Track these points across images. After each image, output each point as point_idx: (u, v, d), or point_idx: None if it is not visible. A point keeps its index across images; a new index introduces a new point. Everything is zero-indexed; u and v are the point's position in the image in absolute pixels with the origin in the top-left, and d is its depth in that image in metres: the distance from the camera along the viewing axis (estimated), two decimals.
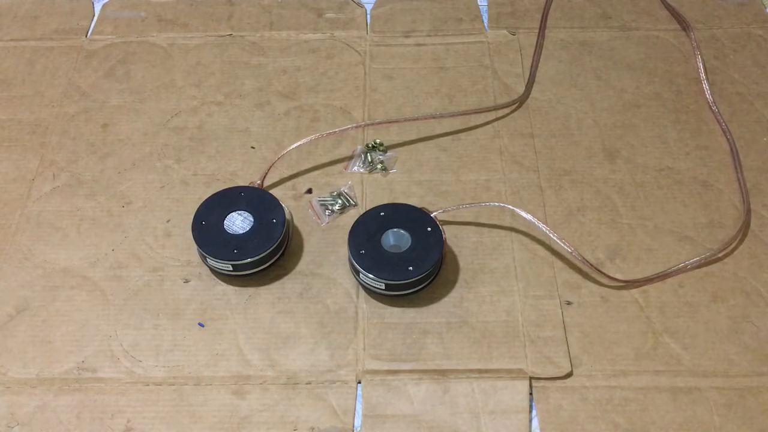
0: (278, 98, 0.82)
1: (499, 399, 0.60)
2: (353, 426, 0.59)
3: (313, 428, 0.59)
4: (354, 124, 0.78)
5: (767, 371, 0.62)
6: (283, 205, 0.67)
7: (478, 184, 0.74)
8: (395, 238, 0.65)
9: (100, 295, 0.66)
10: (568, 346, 0.63)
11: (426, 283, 0.65)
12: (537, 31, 0.88)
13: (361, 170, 0.75)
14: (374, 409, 0.60)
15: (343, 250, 0.69)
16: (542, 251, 0.69)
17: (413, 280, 0.63)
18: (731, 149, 0.76)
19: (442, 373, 0.62)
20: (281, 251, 0.68)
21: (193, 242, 0.65)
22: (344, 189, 0.73)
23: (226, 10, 0.91)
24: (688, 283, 0.67)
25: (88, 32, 0.89)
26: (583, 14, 0.90)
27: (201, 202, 0.68)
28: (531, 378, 0.61)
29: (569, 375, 0.62)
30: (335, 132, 0.75)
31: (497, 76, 0.83)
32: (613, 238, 0.70)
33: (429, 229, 0.65)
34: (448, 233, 0.69)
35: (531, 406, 0.60)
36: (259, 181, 0.71)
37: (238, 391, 0.61)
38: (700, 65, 0.83)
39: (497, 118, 0.79)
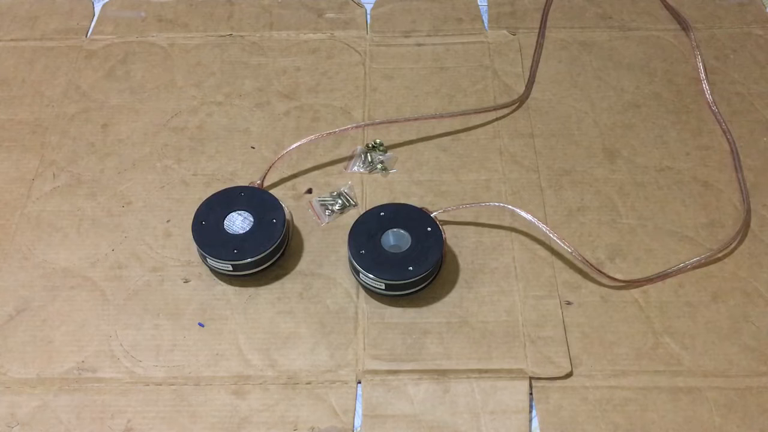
0: (278, 98, 0.82)
1: (499, 399, 0.60)
2: (353, 426, 0.59)
3: (313, 428, 0.59)
4: (354, 124, 0.78)
5: (767, 371, 0.62)
6: (283, 205, 0.67)
7: (478, 184, 0.74)
8: (395, 238, 0.65)
9: (100, 295, 0.66)
10: (568, 346, 0.63)
11: (426, 283, 0.65)
12: (537, 31, 0.88)
13: (361, 170, 0.75)
14: (374, 409, 0.60)
15: (343, 250, 0.69)
16: (542, 251, 0.69)
17: (413, 280, 0.63)
18: (731, 149, 0.76)
19: (442, 373, 0.62)
20: (281, 251, 0.68)
21: (193, 242, 0.65)
22: (344, 189, 0.73)
23: (226, 10, 0.91)
24: (688, 283, 0.67)
25: (88, 32, 0.89)
26: (583, 14, 0.90)
27: (201, 202, 0.68)
28: (531, 378, 0.61)
29: (569, 375, 0.62)
30: (335, 132, 0.75)
31: (497, 76, 0.83)
32: (613, 238, 0.70)
33: (429, 229, 0.65)
34: (448, 233, 0.69)
35: (531, 406, 0.60)
36: (259, 181, 0.71)
37: (238, 391, 0.61)
38: (700, 65, 0.83)
39: (497, 118, 0.79)
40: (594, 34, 0.88)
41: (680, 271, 0.67)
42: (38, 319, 0.65)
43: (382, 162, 0.75)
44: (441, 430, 0.59)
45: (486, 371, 0.62)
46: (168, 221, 0.71)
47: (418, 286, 0.65)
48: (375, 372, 0.62)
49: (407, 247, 0.64)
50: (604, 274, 0.66)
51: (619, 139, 0.77)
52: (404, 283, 0.63)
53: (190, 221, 0.66)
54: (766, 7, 0.90)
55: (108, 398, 0.61)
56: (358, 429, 0.59)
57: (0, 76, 0.84)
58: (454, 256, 0.68)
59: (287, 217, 0.67)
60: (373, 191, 0.73)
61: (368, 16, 0.90)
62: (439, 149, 0.77)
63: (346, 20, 0.89)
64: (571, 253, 0.66)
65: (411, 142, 0.78)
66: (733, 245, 0.69)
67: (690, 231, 0.70)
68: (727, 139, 0.77)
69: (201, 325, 0.65)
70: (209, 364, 0.62)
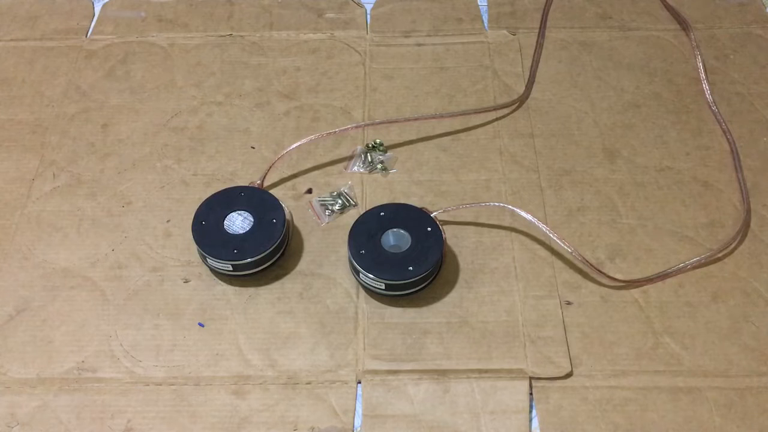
0: (278, 98, 0.82)
1: (499, 399, 0.60)
2: (353, 426, 0.59)
3: (313, 428, 0.59)
4: (354, 124, 0.78)
5: (767, 371, 0.62)
6: (283, 205, 0.67)
7: (478, 184, 0.74)
8: (395, 238, 0.65)
9: (100, 295, 0.66)
10: (568, 346, 0.63)
11: (426, 283, 0.65)
12: (537, 31, 0.88)
13: (361, 170, 0.75)
14: (374, 409, 0.60)
15: (343, 250, 0.69)
16: (542, 251, 0.69)
17: (413, 280, 0.63)
18: (731, 149, 0.76)
19: (442, 373, 0.62)
20: (281, 251, 0.68)
21: (193, 242, 0.65)
22: (344, 189, 0.73)
23: (226, 10, 0.91)
24: (688, 283, 0.67)
25: (88, 32, 0.89)
26: (583, 14, 0.90)
27: (201, 202, 0.68)
28: (531, 378, 0.61)
29: (569, 375, 0.62)
30: (335, 132, 0.75)
31: (497, 76, 0.83)
32: (613, 238, 0.70)
33: (429, 229, 0.65)
34: (448, 233, 0.69)
35: (531, 406, 0.60)
36: (259, 181, 0.71)
37: (238, 391, 0.61)
38: (700, 65, 0.83)
39: (497, 118, 0.79)
40: (594, 34, 0.88)
41: (680, 271, 0.67)
42: (38, 319, 0.65)
43: (382, 162, 0.75)
44: (441, 430, 0.59)
45: (486, 371, 0.62)
46: (168, 221, 0.71)
47: (418, 286, 0.65)
48: (375, 372, 0.62)
49: (407, 247, 0.64)
50: (604, 274, 0.66)
51: (619, 139, 0.77)
52: (404, 283, 0.63)
53: (190, 221, 0.66)
54: (766, 7, 0.90)
55: (108, 398, 0.61)
56: (358, 429, 0.59)
57: (0, 76, 0.84)
58: (454, 256, 0.68)
59: (287, 217, 0.67)
60: (373, 191, 0.73)
61: (368, 16, 0.90)
62: (439, 149, 0.77)
63: (346, 20, 0.89)
64: (571, 253, 0.66)
65: (411, 142, 0.78)
66: (733, 245, 0.69)
67: (690, 231, 0.70)
68: (727, 139, 0.77)
69: (201, 325, 0.65)
70: (209, 364, 0.62)
